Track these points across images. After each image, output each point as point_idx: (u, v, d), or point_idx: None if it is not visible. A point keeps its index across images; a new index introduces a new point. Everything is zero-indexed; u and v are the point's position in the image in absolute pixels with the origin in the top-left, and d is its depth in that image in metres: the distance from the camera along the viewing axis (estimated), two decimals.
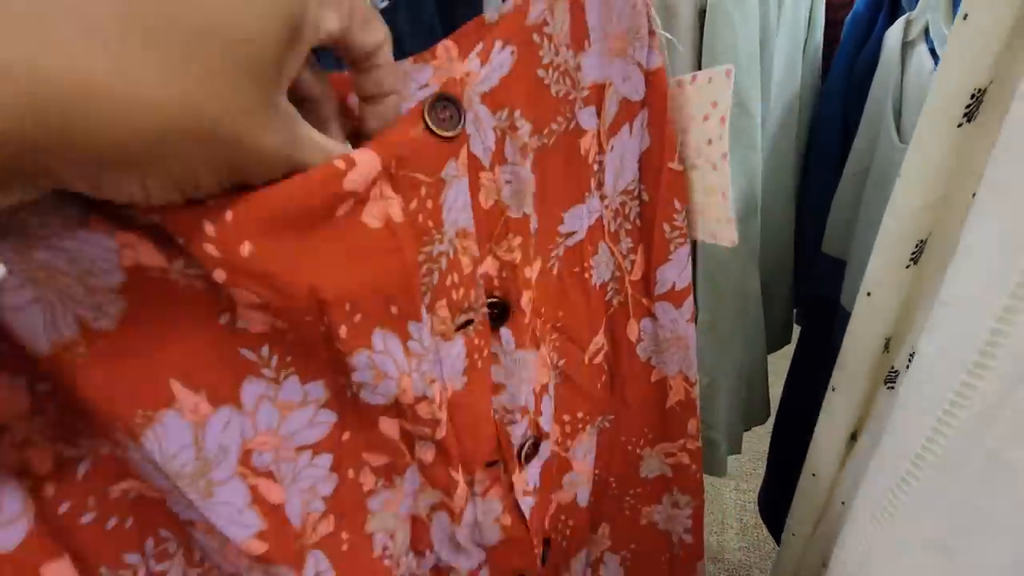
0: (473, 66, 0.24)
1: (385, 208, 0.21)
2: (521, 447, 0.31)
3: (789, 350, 0.83)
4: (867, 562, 0.35)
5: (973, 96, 0.27)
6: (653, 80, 0.29)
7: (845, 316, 0.64)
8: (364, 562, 0.26)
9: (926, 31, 0.54)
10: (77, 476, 0.20)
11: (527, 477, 0.32)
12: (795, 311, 0.87)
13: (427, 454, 0.27)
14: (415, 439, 0.27)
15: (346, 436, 0.25)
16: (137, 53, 0.12)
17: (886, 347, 0.36)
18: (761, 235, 0.67)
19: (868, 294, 0.35)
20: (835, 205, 0.69)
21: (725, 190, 0.30)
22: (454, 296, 0.26)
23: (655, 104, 0.30)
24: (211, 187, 0.16)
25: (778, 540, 0.83)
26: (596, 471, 0.38)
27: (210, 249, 0.17)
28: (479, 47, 0.24)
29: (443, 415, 0.27)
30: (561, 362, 0.34)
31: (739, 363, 0.66)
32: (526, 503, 0.32)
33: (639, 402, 0.37)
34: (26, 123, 0.11)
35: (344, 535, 0.25)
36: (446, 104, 0.23)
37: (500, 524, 0.31)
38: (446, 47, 0.25)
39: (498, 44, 0.25)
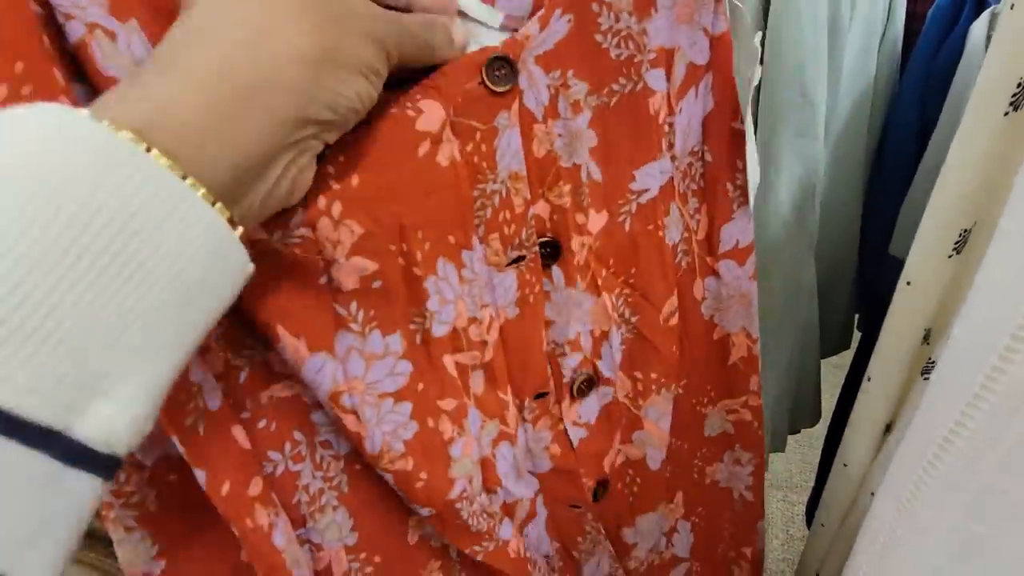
0: (533, 30, 0.28)
1: (450, 149, 0.26)
2: (572, 381, 0.35)
3: (844, 360, 0.83)
4: (891, 546, 0.36)
5: (1020, 85, 0.28)
6: (718, 44, 0.32)
7: None
8: (435, 489, 0.30)
9: None
10: (239, 381, 0.25)
11: (579, 409, 0.35)
12: (856, 316, 0.87)
13: (478, 384, 0.31)
14: (468, 374, 0.31)
15: (421, 386, 0.29)
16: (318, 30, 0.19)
17: (926, 338, 0.37)
18: (823, 233, 0.68)
19: (908, 283, 0.36)
20: (907, 204, 0.68)
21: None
22: (506, 231, 0.30)
23: (720, 67, 0.32)
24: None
25: None
26: (674, 438, 0.40)
27: (329, 185, 0.23)
28: (540, 13, 0.28)
29: (490, 337, 0.31)
30: (634, 318, 0.36)
31: (789, 358, 0.67)
32: (576, 433, 0.35)
33: (702, 360, 0.40)
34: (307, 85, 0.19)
35: (422, 475, 0.30)
36: (502, 63, 0.27)
37: (549, 453, 0.35)
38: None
39: (557, 12, 0.28)
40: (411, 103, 0.25)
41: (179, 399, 0.23)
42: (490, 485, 0.34)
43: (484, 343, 0.31)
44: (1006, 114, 0.29)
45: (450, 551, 0.36)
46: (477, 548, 0.33)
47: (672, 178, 0.35)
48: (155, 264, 0.15)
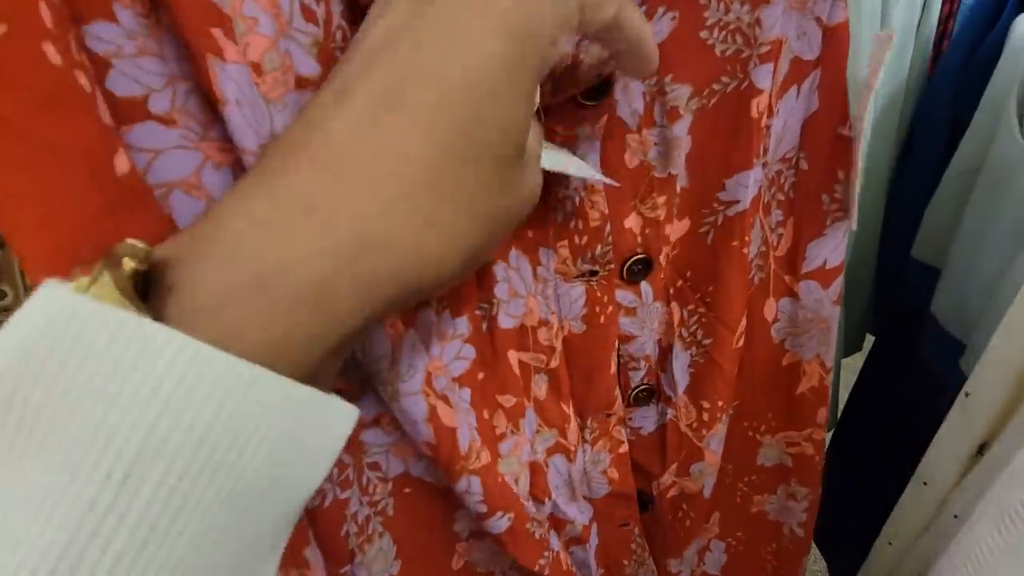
0: None
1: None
2: (634, 391, 0.34)
3: (854, 364, 0.82)
4: (986, 572, 0.34)
5: None
6: (832, 36, 0.28)
7: (935, 327, 0.63)
8: (509, 495, 0.28)
9: None
10: None
11: (634, 416, 0.35)
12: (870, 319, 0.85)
13: (541, 388, 0.30)
14: (532, 375, 0.30)
15: (481, 376, 0.27)
16: (447, 224, 0.16)
17: None
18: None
19: None
20: (933, 206, 0.67)
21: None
22: (576, 241, 0.28)
23: (832, 63, 0.29)
24: None
25: (823, 549, 0.83)
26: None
27: None
28: (642, 10, 0.25)
29: (559, 345, 0.29)
30: (707, 341, 0.33)
31: None
32: (625, 437, 0.34)
33: (765, 386, 0.37)
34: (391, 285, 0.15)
35: (495, 468, 0.28)
36: (597, 74, 0.24)
37: (607, 477, 0.33)
38: None
39: (660, 10, 0.25)
40: None
41: None
42: (537, 493, 0.32)
43: (552, 348, 0.29)
44: None
45: (496, 574, 0.34)
46: (542, 561, 0.31)
47: (761, 188, 0.31)
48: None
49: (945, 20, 0.68)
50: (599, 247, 0.29)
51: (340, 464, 0.26)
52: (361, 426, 0.26)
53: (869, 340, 0.83)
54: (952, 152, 0.64)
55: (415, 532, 0.29)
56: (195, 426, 0.12)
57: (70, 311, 0.12)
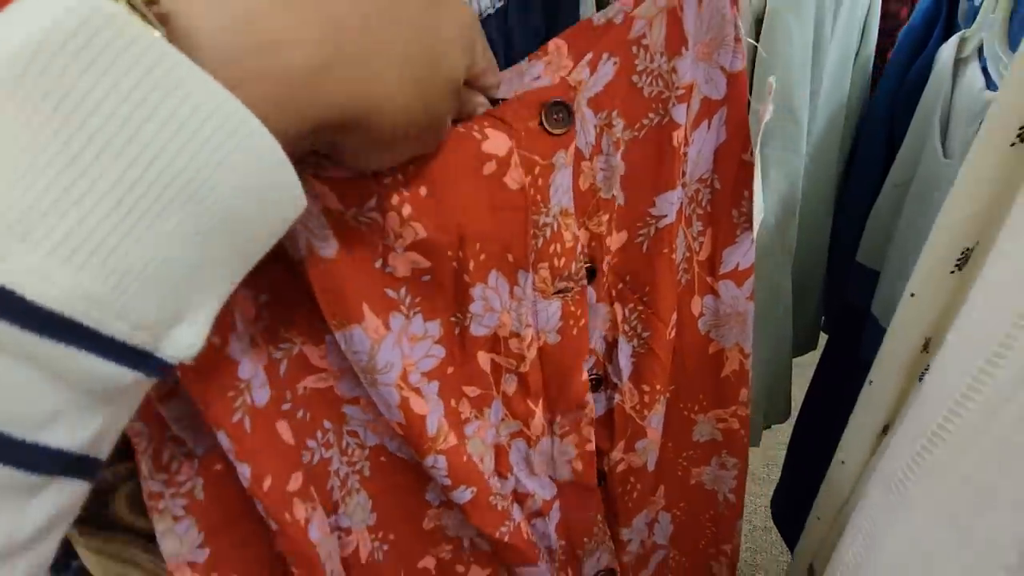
0: (584, 75, 0.30)
1: (520, 175, 0.28)
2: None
3: (812, 358, 0.88)
4: (879, 533, 0.40)
5: None
6: (734, 81, 0.34)
7: (875, 325, 0.69)
8: (473, 472, 0.33)
9: (979, 50, 0.59)
10: (280, 373, 0.26)
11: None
12: (823, 318, 0.92)
13: (511, 386, 0.34)
14: (502, 373, 0.34)
15: (450, 370, 0.32)
16: (411, 83, 0.21)
17: (925, 347, 0.41)
18: (799, 242, 0.73)
19: (912, 295, 0.40)
20: (873, 215, 0.73)
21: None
22: (556, 263, 0.32)
23: (734, 102, 0.35)
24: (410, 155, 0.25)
25: (789, 543, 0.89)
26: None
27: (399, 192, 0.25)
28: (588, 56, 0.30)
29: (529, 354, 0.34)
30: (646, 334, 0.39)
31: (765, 360, 0.71)
32: (591, 433, 0.39)
33: (696, 371, 0.43)
34: (346, 113, 0.19)
35: (462, 448, 0.32)
36: (560, 108, 0.30)
37: (572, 467, 0.38)
38: (556, 45, 0.30)
39: (604, 56, 0.31)
40: (477, 128, 0.27)
41: (228, 395, 0.25)
42: (501, 470, 0.37)
43: (523, 357, 0.34)
44: (1012, 144, 0.33)
45: (463, 541, 0.39)
46: (502, 530, 0.36)
47: (682, 204, 0.37)
48: (219, 187, 0.16)
49: (885, 48, 0.75)
50: (573, 265, 0.33)
51: (323, 429, 0.31)
52: (343, 401, 0.31)
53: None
54: (890, 166, 0.70)
55: (389, 494, 0.34)
56: (196, 139, 0.15)
57: (108, 14, 0.14)
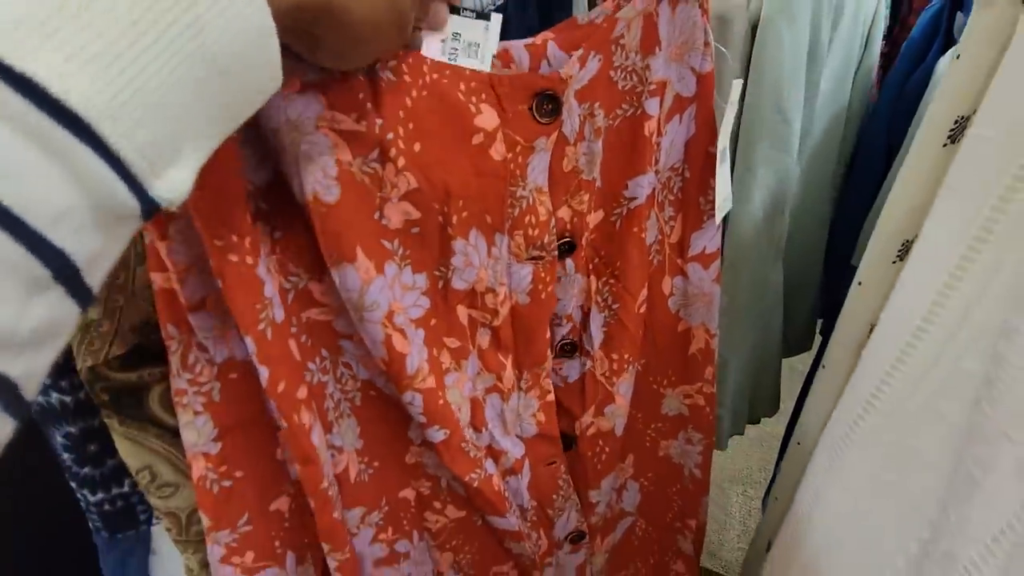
0: (574, 70, 0.34)
1: (503, 149, 0.33)
2: (559, 344, 0.43)
3: (806, 361, 0.90)
4: (820, 496, 0.44)
5: (956, 122, 0.35)
6: (703, 81, 0.39)
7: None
8: (448, 415, 0.37)
9: None
10: (288, 300, 0.32)
11: (563, 366, 0.44)
12: (820, 321, 0.95)
13: (484, 340, 0.39)
14: (477, 327, 0.38)
15: (433, 322, 0.36)
16: None
17: (870, 333, 0.45)
18: (793, 241, 0.76)
19: (859, 284, 0.43)
20: (869, 220, 0.76)
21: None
22: (530, 232, 0.37)
23: (703, 100, 0.39)
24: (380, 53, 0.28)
25: None
26: (630, 408, 0.48)
27: (398, 144, 0.30)
28: (578, 53, 0.34)
29: (503, 310, 0.38)
30: (615, 306, 0.43)
31: (751, 348, 0.75)
32: (556, 382, 0.44)
33: (666, 347, 0.47)
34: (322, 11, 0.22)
35: (440, 395, 0.36)
36: (550, 100, 0.34)
37: (535, 420, 0.43)
38: (544, 38, 0.35)
39: (592, 53, 0.35)
40: (474, 101, 0.32)
41: (255, 307, 0.29)
42: (476, 424, 0.41)
43: (496, 311, 0.38)
44: (944, 145, 0.36)
45: (441, 480, 0.43)
46: (473, 476, 0.40)
47: (655, 189, 0.41)
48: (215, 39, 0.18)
49: (888, 56, 0.78)
50: (546, 236, 0.37)
51: (320, 356, 0.35)
52: (340, 335, 0.35)
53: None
54: (888, 171, 0.73)
55: (376, 424, 0.39)
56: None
57: None
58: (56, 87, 0.15)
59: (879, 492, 0.38)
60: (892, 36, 1.29)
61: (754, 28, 0.59)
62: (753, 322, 0.72)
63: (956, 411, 0.32)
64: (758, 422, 0.89)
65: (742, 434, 0.83)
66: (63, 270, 0.16)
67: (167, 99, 0.17)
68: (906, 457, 0.36)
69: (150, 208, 0.18)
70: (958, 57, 0.35)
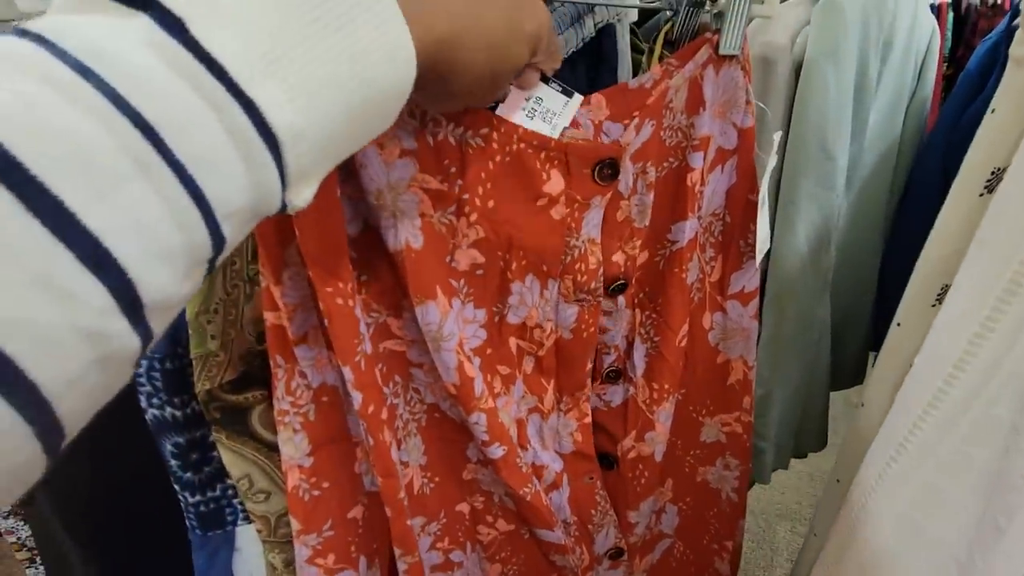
0: (629, 137, 0.39)
1: (562, 211, 0.37)
2: (606, 370, 0.48)
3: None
4: (854, 533, 0.46)
5: (993, 173, 0.37)
6: (744, 135, 0.42)
7: None
8: (505, 433, 0.42)
9: None
10: (369, 333, 0.37)
11: (607, 390, 0.49)
12: (871, 355, 0.94)
13: (529, 366, 0.44)
14: (524, 356, 0.43)
15: (489, 351, 0.41)
16: (485, 51, 0.27)
17: None
18: (842, 276, 0.76)
19: (898, 324, 0.45)
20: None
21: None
22: (579, 278, 0.41)
23: (744, 152, 0.43)
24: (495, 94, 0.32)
25: None
26: (670, 435, 0.51)
27: (473, 202, 0.35)
28: (635, 120, 0.39)
29: (548, 342, 0.43)
30: (657, 339, 0.47)
31: (796, 383, 0.75)
32: (599, 405, 0.48)
33: (705, 378, 0.50)
34: (442, 50, 0.25)
35: (500, 415, 0.41)
36: (609, 164, 0.38)
37: (573, 438, 0.47)
38: (598, 99, 0.39)
39: (647, 120, 0.39)
40: (547, 168, 0.37)
41: (353, 341, 0.34)
42: (522, 442, 0.46)
43: (542, 344, 0.43)
44: (981, 195, 0.38)
45: (494, 495, 0.48)
46: (526, 490, 0.44)
47: (697, 233, 0.45)
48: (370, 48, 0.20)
49: (950, 79, 0.78)
50: (593, 282, 0.41)
51: (394, 381, 0.41)
52: (411, 364, 0.41)
53: None
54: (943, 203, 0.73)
55: (438, 444, 0.44)
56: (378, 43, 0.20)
57: None
58: (269, 115, 0.18)
59: (908, 537, 0.39)
60: (956, 57, 1.27)
61: (798, 68, 0.61)
62: (799, 355, 0.73)
63: (986, 457, 0.33)
64: (804, 456, 0.89)
65: (786, 468, 0.83)
66: (218, 254, 0.19)
67: (337, 129, 0.20)
68: (935, 500, 0.38)
69: (280, 213, 0.21)
70: (993, 111, 0.38)
